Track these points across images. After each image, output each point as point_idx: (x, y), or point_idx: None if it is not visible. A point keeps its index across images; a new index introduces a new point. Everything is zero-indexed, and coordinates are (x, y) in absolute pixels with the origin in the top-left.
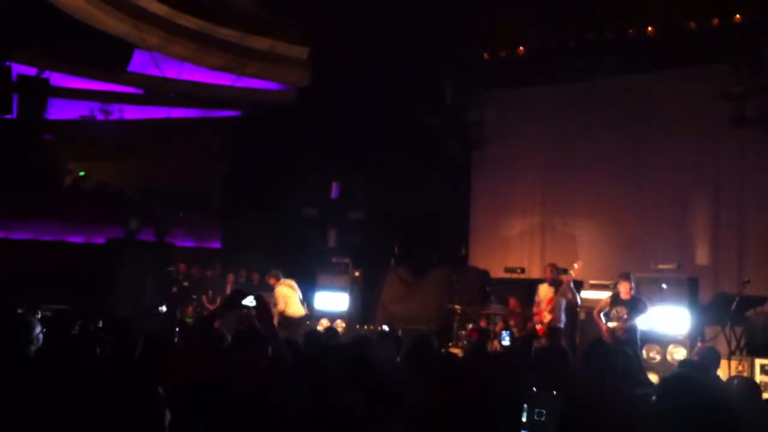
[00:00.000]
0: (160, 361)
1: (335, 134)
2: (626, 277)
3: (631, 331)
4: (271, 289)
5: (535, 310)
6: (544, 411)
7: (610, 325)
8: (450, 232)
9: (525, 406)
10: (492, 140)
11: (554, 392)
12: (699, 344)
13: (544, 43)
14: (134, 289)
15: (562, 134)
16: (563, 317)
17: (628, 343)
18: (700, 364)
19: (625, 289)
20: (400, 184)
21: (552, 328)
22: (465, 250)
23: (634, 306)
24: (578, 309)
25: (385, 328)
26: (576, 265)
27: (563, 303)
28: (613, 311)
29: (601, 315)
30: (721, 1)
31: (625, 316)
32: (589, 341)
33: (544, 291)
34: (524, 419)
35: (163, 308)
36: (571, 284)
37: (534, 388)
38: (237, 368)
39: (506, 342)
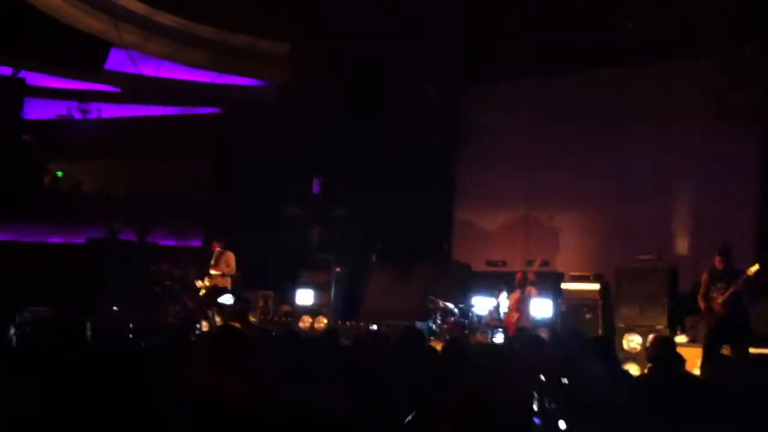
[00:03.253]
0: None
1: (317, 131)
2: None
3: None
4: None
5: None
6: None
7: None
8: (434, 227)
9: (535, 394)
10: (476, 135)
11: (563, 380)
12: (679, 333)
13: (528, 38)
14: (115, 289)
15: (546, 128)
16: (530, 314)
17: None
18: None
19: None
20: (384, 180)
21: (519, 328)
22: (448, 244)
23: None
24: None
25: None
26: (535, 263)
27: (529, 301)
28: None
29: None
30: None
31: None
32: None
33: (513, 294)
34: (536, 407)
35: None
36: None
37: (542, 377)
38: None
39: (498, 339)
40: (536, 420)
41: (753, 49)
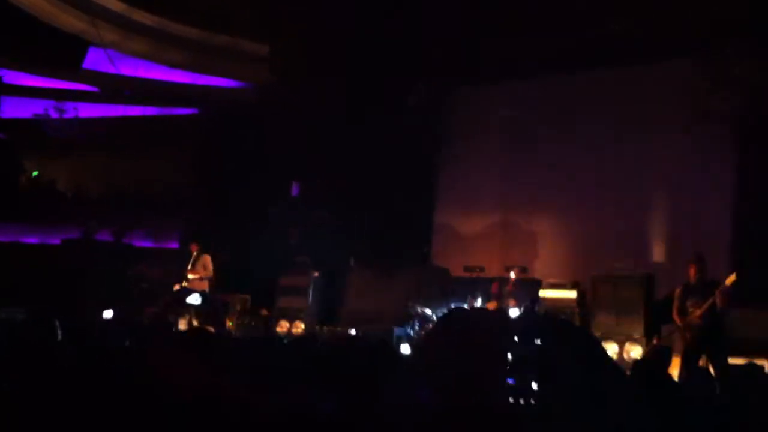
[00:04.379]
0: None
1: (296, 132)
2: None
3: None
4: None
5: None
6: None
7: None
8: (413, 232)
9: None
10: (456, 139)
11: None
12: (655, 341)
13: (507, 41)
14: (91, 290)
15: (525, 133)
16: None
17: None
18: (653, 363)
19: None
20: (364, 182)
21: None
22: (428, 249)
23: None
24: None
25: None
26: (513, 271)
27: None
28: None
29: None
30: None
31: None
32: None
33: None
34: None
35: (109, 313)
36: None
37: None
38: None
39: None
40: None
41: (734, 51)
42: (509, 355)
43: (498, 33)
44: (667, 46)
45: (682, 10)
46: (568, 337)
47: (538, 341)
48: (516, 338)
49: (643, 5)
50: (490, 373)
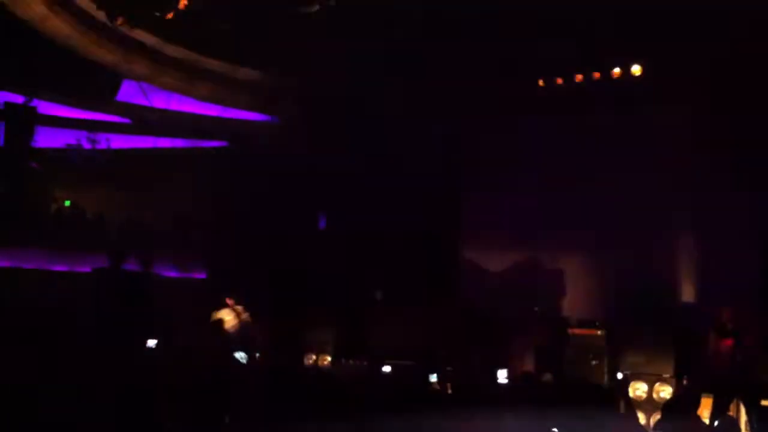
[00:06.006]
0: None
1: (321, 165)
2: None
3: None
4: None
5: None
6: None
7: None
8: (438, 267)
9: None
10: (482, 172)
11: None
12: (685, 382)
13: (536, 79)
14: (117, 318)
15: (551, 169)
16: None
17: None
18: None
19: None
20: (389, 217)
21: None
22: (453, 284)
23: None
24: None
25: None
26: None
27: None
28: None
29: None
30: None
31: None
32: None
33: None
34: None
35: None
36: None
37: None
38: None
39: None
40: None
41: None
42: None
43: (523, 71)
44: (672, 93)
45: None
46: None
47: None
48: None
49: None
50: None
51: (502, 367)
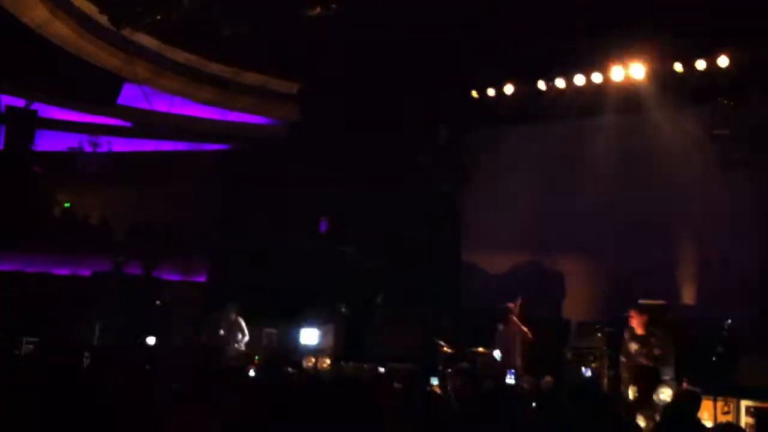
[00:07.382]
0: None
1: (325, 170)
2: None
3: None
4: None
5: None
6: None
7: None
8: (440, 269)
9: None
10: (482, 178)
11: None
12: (684, 385)
13: (534, 84)
14: (119, 321)
15: (552, 174)
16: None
17: None
18: (681, 407)
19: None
20: (391, 220)
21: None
22: (455, 287)
23: None
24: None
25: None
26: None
27: (517, 339)
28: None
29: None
30: (709, 44)
31: None
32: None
33: None
34: None
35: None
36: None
37: None
38: None
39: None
40: None
41: (758, 98)
42: None
43: (523, 75)
44: (689, 93)
45: (706, 59)
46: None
47: None
48: None
49: (671, 54)
50: None
51: (504, 369)
